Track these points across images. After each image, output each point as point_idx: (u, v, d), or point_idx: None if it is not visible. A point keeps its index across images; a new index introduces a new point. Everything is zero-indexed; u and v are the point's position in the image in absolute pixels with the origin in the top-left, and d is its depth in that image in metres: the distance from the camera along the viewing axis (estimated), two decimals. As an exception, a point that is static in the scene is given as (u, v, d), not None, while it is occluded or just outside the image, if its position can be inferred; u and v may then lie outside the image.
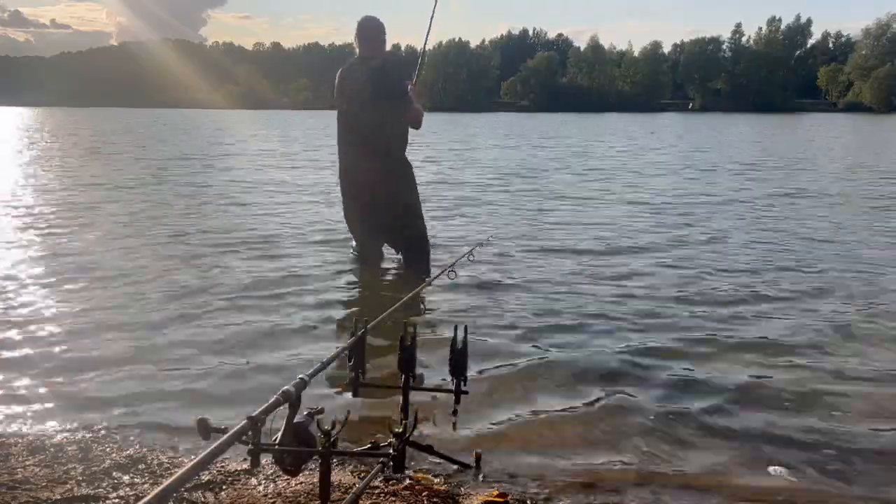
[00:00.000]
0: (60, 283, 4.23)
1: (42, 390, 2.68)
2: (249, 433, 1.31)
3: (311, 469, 1.84)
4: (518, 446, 2.26)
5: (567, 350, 3.16)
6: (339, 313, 3.76)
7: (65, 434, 2.30)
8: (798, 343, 3.26)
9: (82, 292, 4.01)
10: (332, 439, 1.49)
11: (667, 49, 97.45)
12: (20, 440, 2.25)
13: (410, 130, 4.57)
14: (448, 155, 15.65)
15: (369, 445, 1.87)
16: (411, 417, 1.82)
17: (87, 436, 2.29)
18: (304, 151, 16.69)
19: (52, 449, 2.18)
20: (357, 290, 4.33)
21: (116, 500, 1.88)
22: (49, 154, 15.46)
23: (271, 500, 1.86)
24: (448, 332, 2.11)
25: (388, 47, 4.73)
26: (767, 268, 4.77)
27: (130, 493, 1.91)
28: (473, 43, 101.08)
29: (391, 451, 1.65)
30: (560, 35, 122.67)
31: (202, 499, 1.88)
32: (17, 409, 2.51)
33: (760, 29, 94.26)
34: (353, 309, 3.83)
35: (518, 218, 6.94)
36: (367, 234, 4.69)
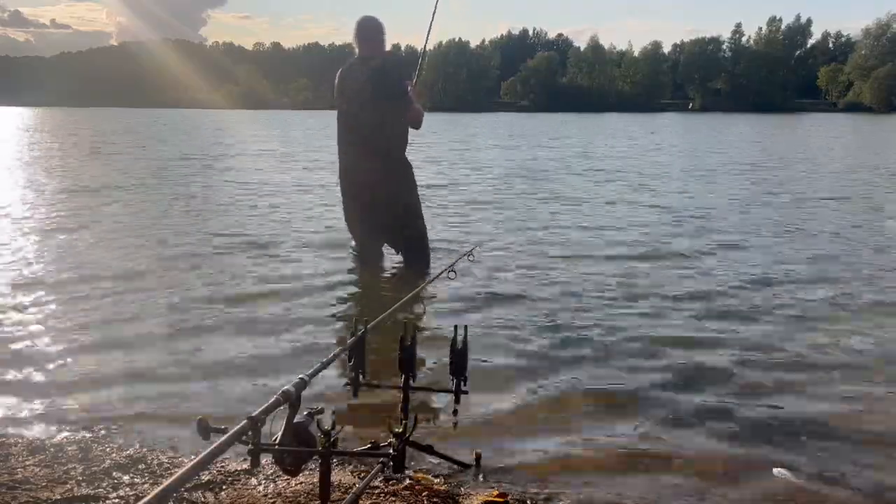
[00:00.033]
0: (60, 283, 4.23)
1: (42, 390, 2.68)
2: (249, 433, 1.31)
3: (311, 469, 1.84)
4: (518, 446, 2.26)
5: (567, 349, 3.16)
6: (339, 313, 3.76)
7: (65, 434, 2.30)
8: (799, 344, 3.26)
9: (82, 293, 4.01)
10: (332, 439, 1.49)
11: (667, 49, 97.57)
12: (20, 440, 2.25)
13: (411, 130, 4.57)
14: (448, 155, 15.65)
15: (369, 445, 1.87)
16: (411, 417, 1.82)
17: (87, 436, 2.29)
18: (304, 152, 16.68)
19: (52, 449, 2.18)
20: (357, 290, 4.33)
21: (116, 500, 1.88)
22: (49, 154, 15.46)
23: (271, 500, 1.86)
24: (448, 332, 2.11)
25: (388, 47, 4.73)
26: (768, 269, 4.77)
27: (130, 493, 1.91)
28: (473, 43, 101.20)
29: (391, 451, 1.65)
30: (560, 35, 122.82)
31: (202, 499, 1.88)
32: (17, 409, 2.51)
33: (760, 29, 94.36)
34: (353, 309, 3.83)
35: (518, 218, 6.94)
36: (367, 234, 4.69)
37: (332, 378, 2.69)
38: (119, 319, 3.54)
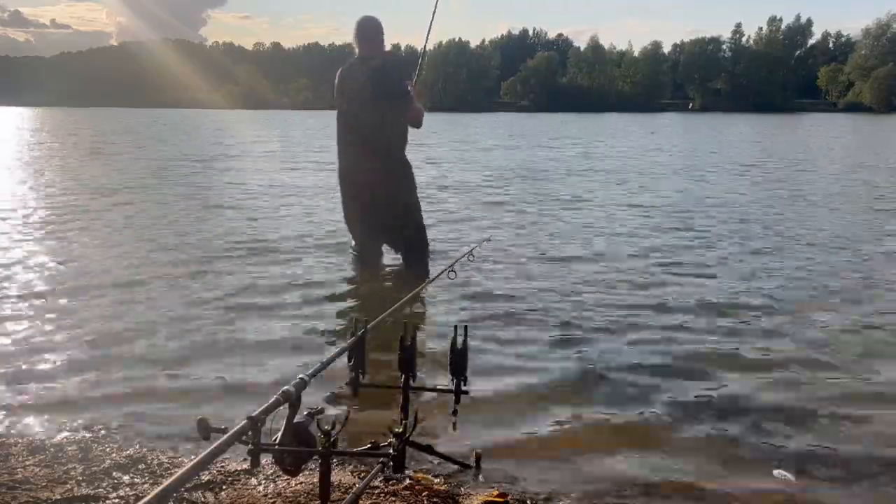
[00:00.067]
0: (60, 284, 4.23)
1: (42, 391, 2.68)
2: (249, 433, 1.31)
3: (311, 469, 1.84)
4: (518, 446, 2.26)
5: (567, 349, 3.16)
6: (339, 313, 3.76)
7: (65, 434, 2.30)
8: (800, 346, 3.26)
9: (81, 294, 4.00)
10: (332, 439, 1.49)
11: (667, 49, 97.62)
12: (20, 440, 2.25)
13: (411, 130, 4.57)
14: (448, 156, 15.65)
15: (369, 445, 1.87)
16: (411, 417, 1.82)
17: (87, 436, 2.29)
18: (303, 152, 16.68)
19: (52, 449, 2.18)
20: (357, 290, 4.33)
21: (116, 500, 1.88)
22: (49, 155, 15.46)
23: (271, 500, 1.86)
24: (448, 332, 2.11)
25: (388, 47, 4.73)
26: (768, 271, 4.77)
27: (130, 493, 1.91)
28: (473, 43, 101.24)
29: (391, 451, 1.65)
30: (560, 35, 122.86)
31: (202, 499, 1.88)
32: (17, 409, 2.51)
33: (761, 29, 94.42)
34: (353, 309, 3.83)
35: (518, 218, 6.94)
36: (366, 234, 4.69)
37: (332, 378, 2.69)
38: (119, 320, 3.54)
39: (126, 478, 2.00)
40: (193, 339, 3.27)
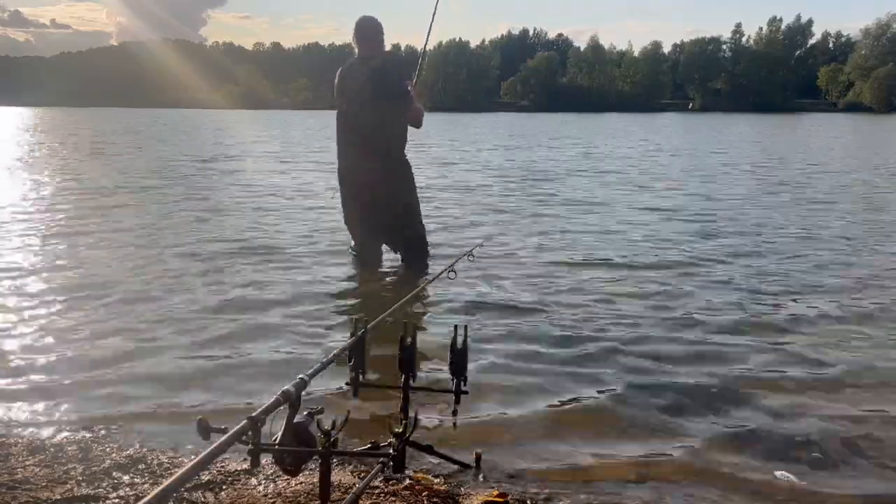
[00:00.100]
0: (60, 284, 4.23)
1: (42, 391, 2.67)
2: (249, 433, 1.31)
3: (311, 469, 1.84)
4: (518, 446, 2.26)
5: (567, 348, 3.16)
6: (339, 313, 3.75)
7: (65, 434, 2.30)
8: (800, 348, 3.26)
9: (81, 294, 4.00)
10: (332, 439, 1.49)
11: (667, 49, 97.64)
12: (20, 440, 2.25)
13: (411, 130, 4.57)
14: (448, 155, 15.65)
15: (369, 445, 1.87)
16: (411, 417, 1.82)
17: (87, 436, 2.29)
18: (304, 153, 16.68)
19: (52, 449, 2.18)
20: (357, 290, 4.33)
21: (116, 500, 1.88)
22: (50, 155, 15.46)
23: (271, 500, 1.86)
24: (448, 332, 2.11)
25: (388, 47, 4.73)
26: (769, 273, 4.77)
27: (130, 493, 1.91)
28: (473, 43, 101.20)
29: (391, 451, 1.65)
30: (560, 35, 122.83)
31: (202, 499, 1.88)
32: (17, 409, 2.51)
33: (761, 29, 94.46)
34: (353, 309, 3.82)
35: (518, 218, 6.94)
36: (366, 234, 4.69)
37: (332, 378, 2.69)
38: (119, 320, 3.53)
39: (126, 478, 2.00)
40: (193, 339, 3.27)
